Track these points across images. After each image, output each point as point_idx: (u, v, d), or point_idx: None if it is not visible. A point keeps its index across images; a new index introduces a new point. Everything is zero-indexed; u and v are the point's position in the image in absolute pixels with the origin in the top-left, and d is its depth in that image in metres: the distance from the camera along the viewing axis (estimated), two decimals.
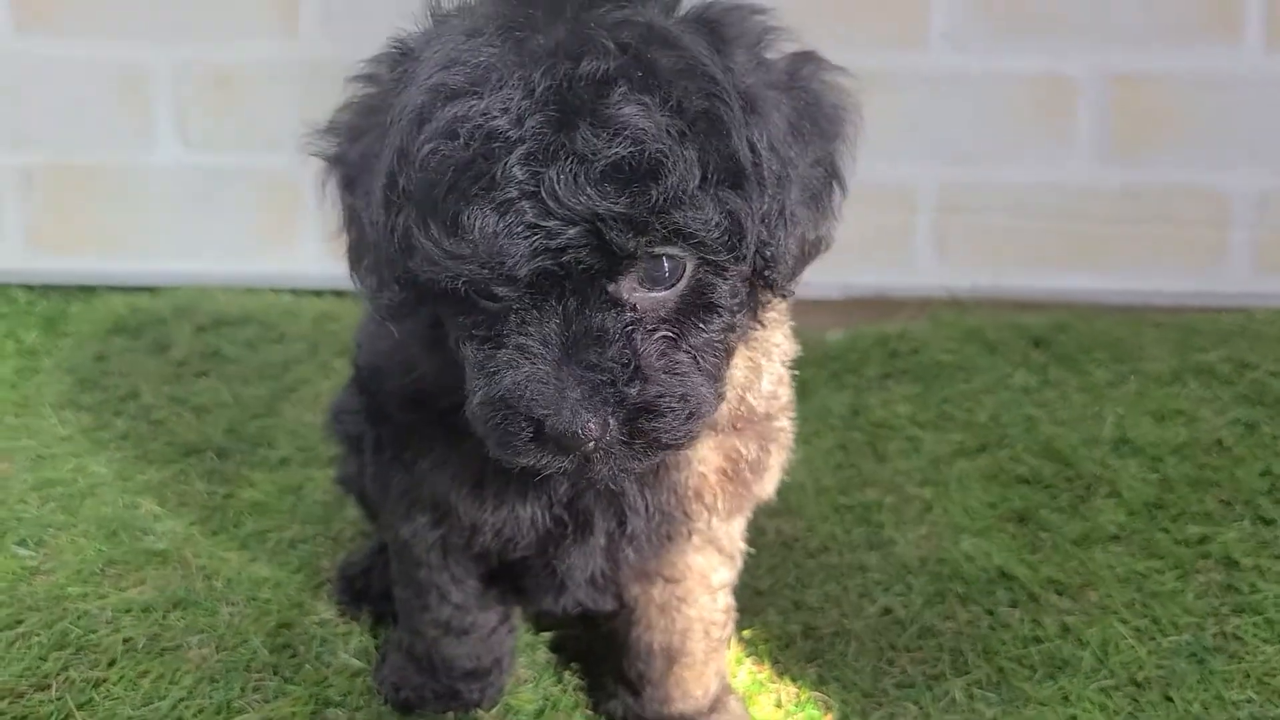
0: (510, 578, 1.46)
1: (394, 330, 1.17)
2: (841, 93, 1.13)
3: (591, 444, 0.99)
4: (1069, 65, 2.67)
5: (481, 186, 0.94)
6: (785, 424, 1.39)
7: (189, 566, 1.76)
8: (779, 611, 1.74)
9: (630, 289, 1.00)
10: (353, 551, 1.80)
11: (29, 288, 2.79)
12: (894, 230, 2.76)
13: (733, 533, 1.44)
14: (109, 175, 2.75)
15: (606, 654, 1.55)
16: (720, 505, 1.33)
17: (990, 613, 1.71)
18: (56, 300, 2.75)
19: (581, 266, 0.96)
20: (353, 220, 1.12)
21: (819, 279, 2.92)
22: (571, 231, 0.94)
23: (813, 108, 1.10)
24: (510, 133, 0.93)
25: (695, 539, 1.39)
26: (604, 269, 0.97)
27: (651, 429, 1.01)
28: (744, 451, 1.31)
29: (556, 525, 1.29)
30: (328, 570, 1.78)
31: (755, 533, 1.91)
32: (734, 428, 1.29)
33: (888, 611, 1.73)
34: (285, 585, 1.74)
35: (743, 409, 1.28)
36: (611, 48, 0.96)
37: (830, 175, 1.12)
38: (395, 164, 0.99)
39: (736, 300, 1.06)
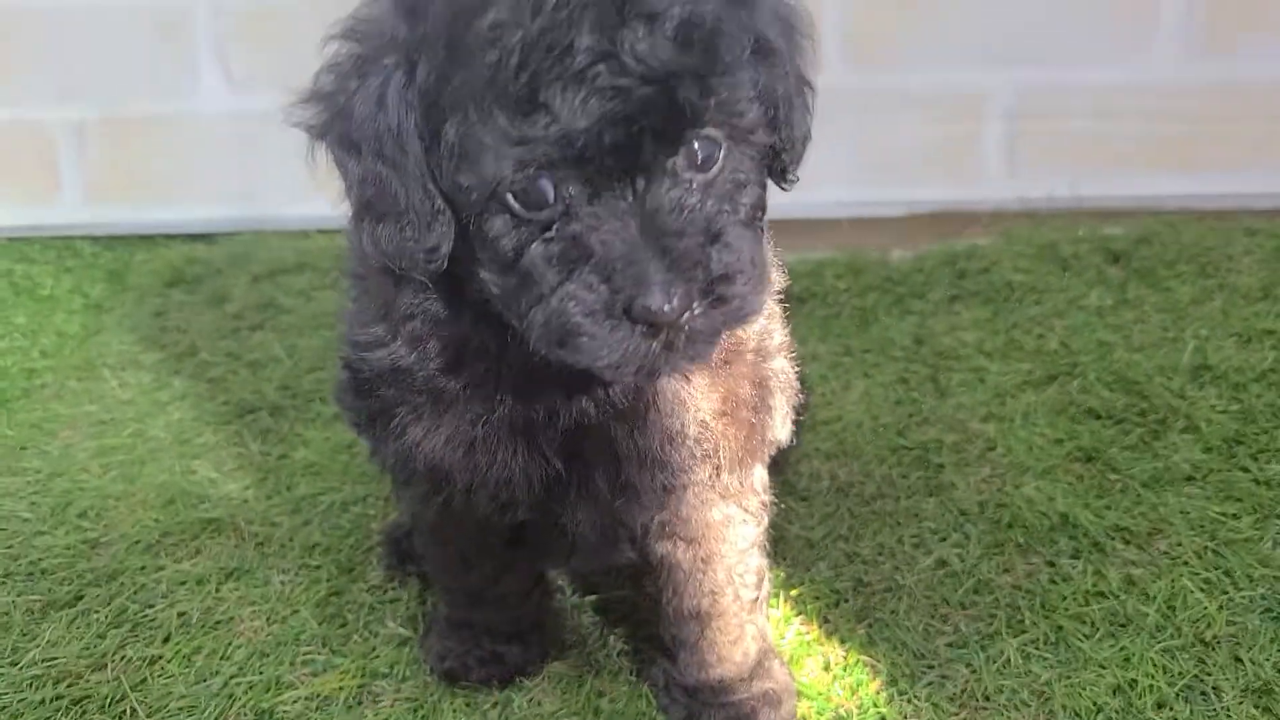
0: (527, 541, 1.44)
1: (426, 286, 1.17)
2: (797, 4, 1.15)
3: (684, 317, 0.99)
4: None
5: (555, 57, 0.94)
6: (782, 364, 1.37)
7: (243, 534, 1.79)
8: (830, 565, 1.70)
9: (684, 168, 1.02)
10: (400, 513, 1.81)
11: (93, 239, 2.83)
12: (961, 140, 2.62)
13: (751, 485, 1.39)
14: (158, 124, 2.75)
15: (648, 618, 1.54)
16: (723, 452, 1.30)
17: (1051, 564, 1.65)
18: (121, 251, 2.79)
19: (653, 131, 0.97)
20: (363, 179, 1.07)
21: (880, 195, 2.83)
22: (647, 90, 0.95)
23: (783, 11, 1.13)
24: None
25: (707, 493, 1.35)
26: (671, 136, 0.99)
27: (729, 295, 1.02)
28: (739, 392, 1.29)
29: (553, 480, 1.27)
30: (378, 533, 1.79)
31: (809, 478, 1.88)
32: (724, 362, 1.26)
33: (943, 564, 1.67)
34: (336, 551, 1.76)
35: (731, 340, 1.25)
36: None
37: (800, 80, 1.14)
38: (445, 66, 0.98)
39: (760, 178, 1.10)
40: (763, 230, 1.13)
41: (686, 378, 1.24)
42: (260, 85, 2.68)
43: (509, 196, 1.00)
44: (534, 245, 1.02)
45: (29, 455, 2.01)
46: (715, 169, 1.04)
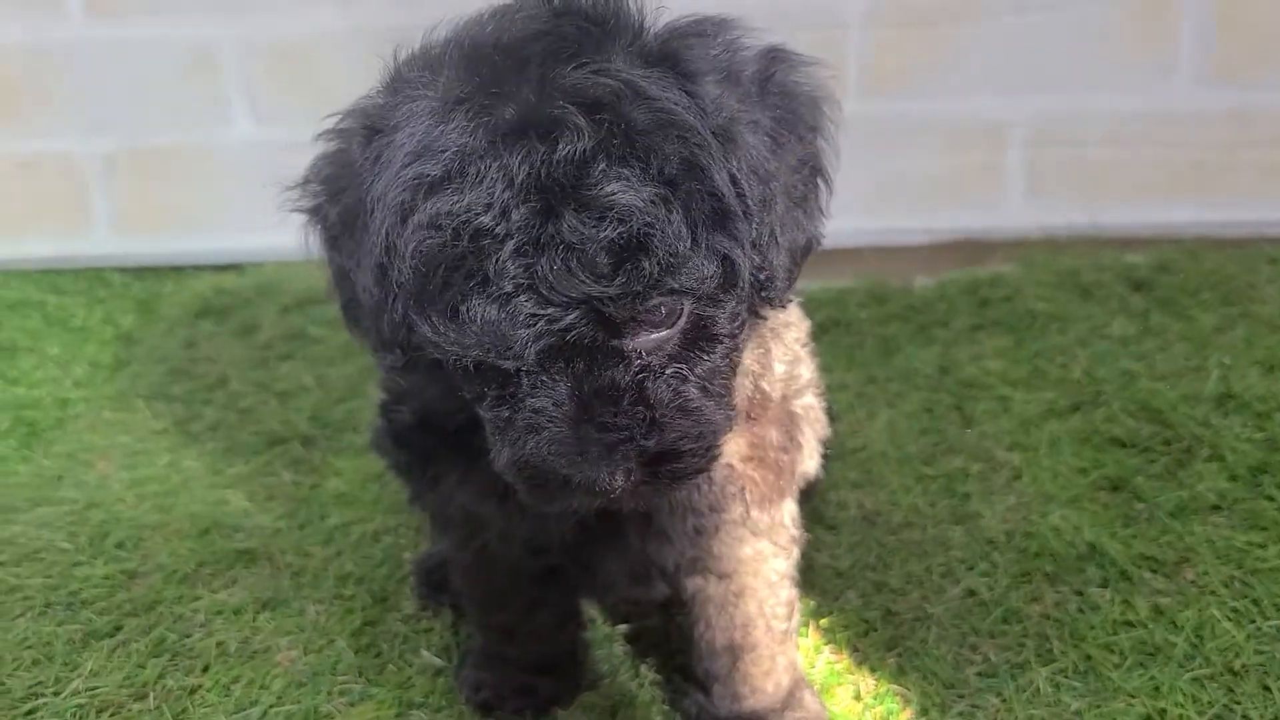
0: (560, 579, 1.47)
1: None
2: (815, 87, 1.12)
3: (618, 489, 1.02)
4: None
5: (476, 283, 0.94)
6: (811, 401, 1.39)
7: (277, 564, 1.81)
8: (859, 594, 1.71)
9: (633, 337, 1.01)
10: (432, 544, 1.83)
11: (123, 270, 2.87)
12: (982, 168, 2.64)
13: (780, 520, 1.40)
14: (187, 155, 2.79)
15: (680, 649, 1.55)
16: (751, 494, 1.32)
17: (1079, 593, 1.65)
18: (150, 282, 2.82)
19: (586, 340, 0.98)
20: (343, 279, 1.12)
21: (903, 224, 2.85)
22: (571, 315, 0.95)
23: (790, 112, 1.09)
24: (497, 228, 0.93)
25: (738, 530, 1.37)
26: (607, 334, 0.99)
27: (671, 469, 1.05)
28: (767, 438, 1.31)
29: (583, 531, 1.30)
30: (410, 563, 1.81)
31: (837, 507, 1.89)
32: (749, 416, 1.27)
33: (971, 593, 1.68)
34: (369, 581, 1.78)
35: (757, 396, 1.27)
36: (583, 124, 0.93)
37: (815, 173, 1.11)
38: (384, 255, 0.99)
39: (737, 323, 1.07)
40: (735, 368, 1.12)
41: None
42: (288, 119, 2.72)
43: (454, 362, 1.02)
44: (482, 402, 1.06)
45: (66, 486, 2.03)
46: (675, 327, 1.02)
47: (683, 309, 1.02)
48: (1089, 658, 1.54)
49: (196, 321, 2.60)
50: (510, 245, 0.92)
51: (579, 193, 0.92)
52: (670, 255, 0.94)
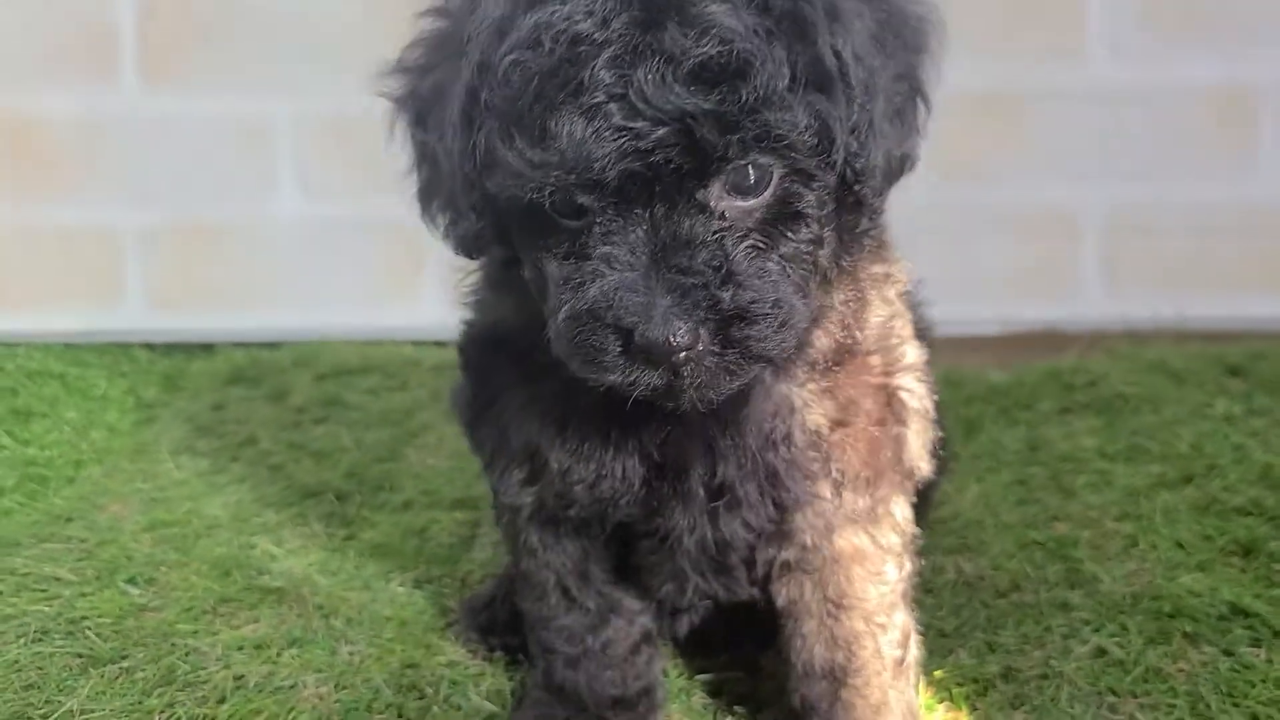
0: (633, 572, 1.32)
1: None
2: (924, 5, 1.11)
3: (683, 354, 0.96)
4: (1248, 70, 2.45)
5: (568, 93, 0.93)
6: (916, 386, 1.26)
7: (306, 605, 1.60)
8: (972, 653, 1.50)
9: (718, 197, 0.99)
10: (479, 586, 1.63)
11: (150, 346, 2.72)
12: (1056, 258, 2.54)
13: (888, 514, 1.25)
14: (231, 231, 2.70)
15: (769, 702, 1.35)
16: (841, 466, 1.18)
17: (1228, 653, 1.45)
18: (178, 359, 2.66)
19: (671, 167, 0.94)
20: (425, 157, 1.10)
21: (974, 314, 2.71)
22: (661, 131, 0.92)
23: (894, 20, 1.07)
24: (596, 35, 0.93)
25: (829, 514, 1.21)
26: (693, 170, 0.96)
27: (743, 337, 0.98)
28: (859, 401, 1.18)
29: (649, 474, 1.18)
30: (455, 612, 1.60)
31: (932, 572, 1.69)
32: (835, 364, 1.17)
33: (1102, 652, 1.47)
34: (410, 625, 1.58)
35: (847, 341, 1.17)
36: None
37: (914, 90, 1.08)
38: (476, 78, 0.99)
39: (824, 211, 1.04)
40: (817, 267, 1.06)
41: (796, 379, 1.15)
42: (337, 194, 2.64)
43: (532, 202, 0.99)
44: (552, 259, 1.02)
45: (75, 525, 1.83)
46: (762, 197, 1.00)
47: (772, 178, 0.99)
48: (1255, 717, 1.33)
49: (225, 387, 2.44)
50: (607, 53, 0.92)
51: (683, 9, 0.93)
52: (769, 88, 0.93)
